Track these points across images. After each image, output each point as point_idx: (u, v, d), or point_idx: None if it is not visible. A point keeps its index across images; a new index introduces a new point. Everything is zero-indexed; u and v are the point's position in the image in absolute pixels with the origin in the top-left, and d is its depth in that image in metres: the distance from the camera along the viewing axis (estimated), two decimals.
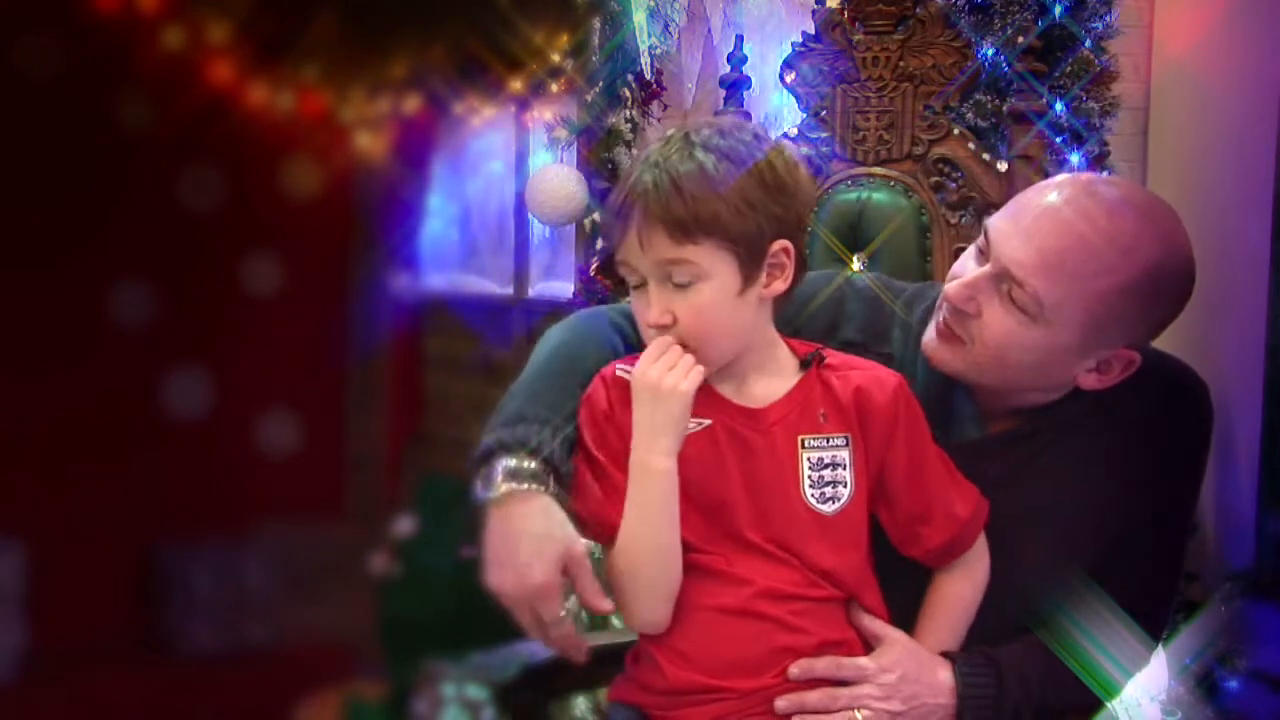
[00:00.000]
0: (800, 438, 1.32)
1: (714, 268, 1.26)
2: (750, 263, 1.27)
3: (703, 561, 1.31)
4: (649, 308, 1.28)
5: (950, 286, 1.36)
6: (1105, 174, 1.88)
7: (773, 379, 1.34)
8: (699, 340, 1.28)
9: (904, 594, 1.39)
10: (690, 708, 1.31)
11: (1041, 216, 1.33)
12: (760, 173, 1.27)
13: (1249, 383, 2.20)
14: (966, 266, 1.38)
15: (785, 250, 1.29)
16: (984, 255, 1.37)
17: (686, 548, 1.31)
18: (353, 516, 4.29)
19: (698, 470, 1.31)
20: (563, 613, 1.27)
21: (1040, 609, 1.42)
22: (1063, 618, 1.41)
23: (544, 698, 1.61)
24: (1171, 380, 1.46)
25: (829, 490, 1.31)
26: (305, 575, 3.92)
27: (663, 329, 1.28)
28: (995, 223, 1.36)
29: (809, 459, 1.32)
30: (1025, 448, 1.43)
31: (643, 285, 1.29)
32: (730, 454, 1.32)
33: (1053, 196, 1.34)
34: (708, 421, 1.32)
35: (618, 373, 1.35)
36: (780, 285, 1.31)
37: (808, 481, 1.31)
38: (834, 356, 1.37)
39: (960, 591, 1.39)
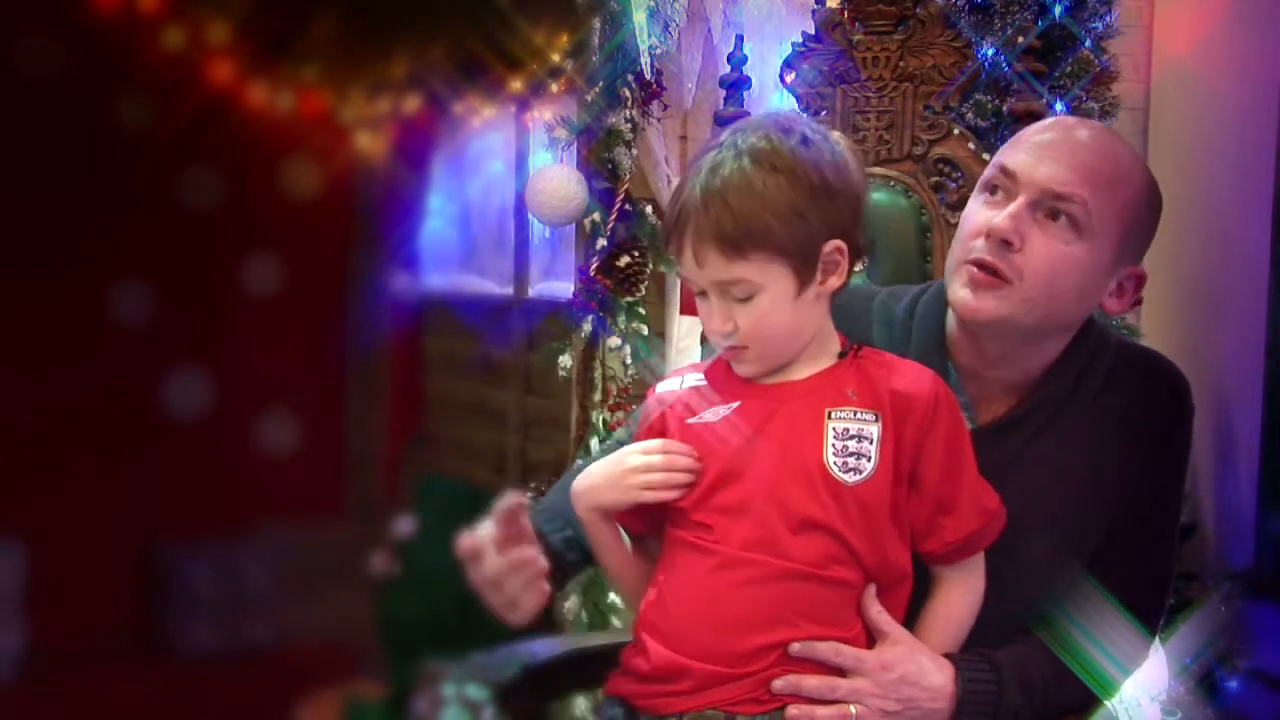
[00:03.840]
0: (827, 409, 1.33)
1: (768, 279, 1.29)
2: (804, 268, 1.30)
3: (701, 541, 1.32)
4: (712, 316, 1.33)
5: (997, 220, 1.37)
6: None
7: (811, 364, 1.37)
8: (761, 344, 1.33)
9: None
10: (670, 696, 1.31)
11: (1059, 143, 1.39)
12: (807, 178, 1.29)
13: (1249, 383, 2.20)
14: (982, 215, 1.40)
15: (839, 250, 1.32)
16: (1000, 192, 1.40)
17: (684, 523, 1.33)
18: (353, 516, 4.29)
19: (722, 447, 1.33)
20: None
21: (1038, 605, 1.42)
22: (1060, 613, 1.41)
23: (544, 698, 1.61)
24: (1152, 369, 1.50)
25: (851, 461, 1.31)
26: (305, 575, 3.92)
27: (727, 335, 1.33)
28: (1013, 159, 1.40)
29: (834, 428, 1.32)
30: (1017, 436, 1.44)
31: (705, 293, 1.34)
32: (755, 426, 1.33)
33: (1055, 131, 1.42)
34: (737, 403, 1.35)
35: (660, 390, 1.42)
36: (836, 281, 1.34)
37: (831, 450, 1.32)
38: (871, 351, 1.39)
39: (958, 607, 1.39)
